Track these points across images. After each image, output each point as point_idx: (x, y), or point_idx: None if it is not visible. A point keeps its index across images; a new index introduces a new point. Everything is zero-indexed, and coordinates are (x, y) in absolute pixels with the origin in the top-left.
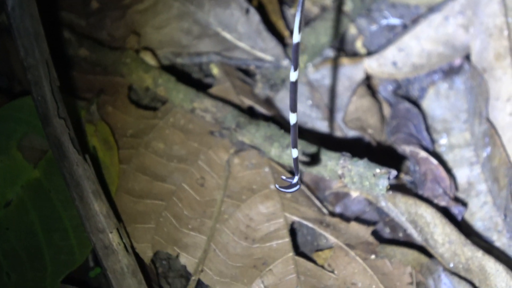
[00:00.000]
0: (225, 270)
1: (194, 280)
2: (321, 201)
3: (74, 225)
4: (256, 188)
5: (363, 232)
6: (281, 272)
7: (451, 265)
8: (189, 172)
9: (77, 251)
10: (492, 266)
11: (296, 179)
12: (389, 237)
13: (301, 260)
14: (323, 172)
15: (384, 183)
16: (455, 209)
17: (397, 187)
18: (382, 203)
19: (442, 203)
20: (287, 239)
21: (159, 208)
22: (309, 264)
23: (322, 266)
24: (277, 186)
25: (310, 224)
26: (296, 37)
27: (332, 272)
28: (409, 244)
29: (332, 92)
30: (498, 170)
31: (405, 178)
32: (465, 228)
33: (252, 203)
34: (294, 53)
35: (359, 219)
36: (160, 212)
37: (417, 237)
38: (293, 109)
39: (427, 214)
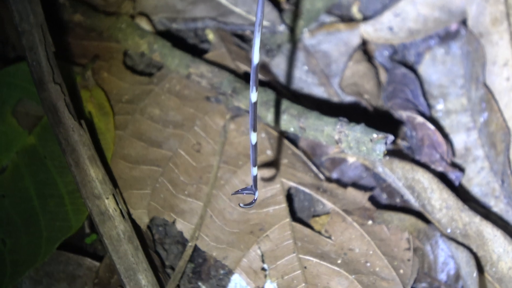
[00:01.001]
0: (222, 236)
1: (191, 246)
2: (317, 167)
3: (70, 191)
4: None
5: (360, 197)
6: (278, 238)
7: (449, 230)
8: (185, 138)
9: (73, 217)
10: (490, 231)
11: (256, 195)
12: (386, 203)
13: (298, 225)
14: (320, 138)
15: (381, 148)
16: (452, 175)
17: (394, 153)
18: (379, 169)
19: (439, 168)
20: (284, 205)
21: (155, 174)
22: (306, 230)
23: (319, 232)
24: (240, 205)
25: (307, 190)
26: (256, 58)
27: (329, 237)
28: (406, 209)
29: (328, 57)
30: (495, 135)
31: (402, 143)
32: (462, 194)
33: (248, 169)
34: (253, 74)
35: (356, 185)
36: (156, 178)
37: (414, 203)
38: (254, 128)
39: (424, 179)
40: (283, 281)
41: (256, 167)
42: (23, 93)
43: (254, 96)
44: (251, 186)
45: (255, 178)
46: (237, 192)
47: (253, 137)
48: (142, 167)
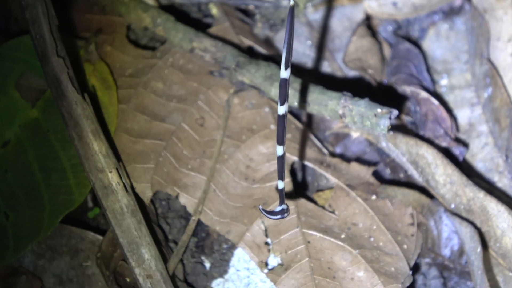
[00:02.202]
0: (225, 211)
1: (194, 221)
2: (321, 142)
3: (73, 165)
4: (256, 128)
5: (364, 172)
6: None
7: (453, 206)
8: (189, 112)
9: (76, 191)
10: (494, 207)
11: (279, 208)
12: (390, 178)
13: (302, 200)
14: (324, 112)
15: (385, 122)
16: (456, 150)
17: (398, 128)
18: (383, 144)
19: (443, 143)
20: (288, 179)
21: (159, 148)
22: (310, 205)
23: (323, 207)
24: (260, 208)
25: (310, 165)
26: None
27: (333, 212)
28: (410, 185)
29: (332, 32)
30: (499, 111)
31: (406, 118)
32: (466, 169)
33: (252, 143)
34: (281, 88)
35: (359, 160)
36: (159, 152)
37: (418, 178)
38: (280, 141)
39: (428, 154)
40: (286, 255)
41: (283, 181)
42: (26, 67)
43: (281, 109)
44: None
45: (281, 191)
46: (265, 212)
47: (280, 150)
48: (145, 141)
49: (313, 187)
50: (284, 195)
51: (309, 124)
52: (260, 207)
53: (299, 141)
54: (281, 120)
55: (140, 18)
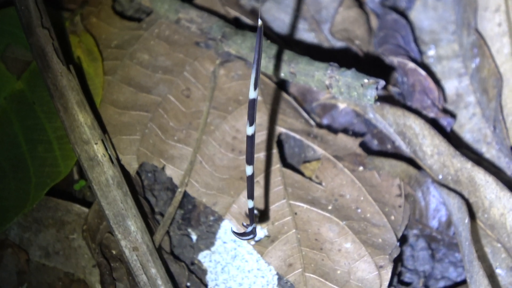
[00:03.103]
0: (212, 182)
1: (180, 192)
2: (308, 113)
3: (59, 136)
4: (242, 99)
5: (351, 143)
6: (268, 183)
7: (440, 177)
8: (175, 83)
9: (62, 163)
10: (481, 177)
11: (250, 228)
12: (377, 149)
13: (289, 171)
14: (311, 83)
15: (372, 93)
16: (444, 121)
17: (385, 99)
18: (370, 115)
19: (431, 114)
20: (274, 151)
21: (145, 120)
22: (297, 176)
23: (310, 178)
24: (232, 230)
25: (297, 136)
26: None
27: (320, 184)
28: (398, 156)
29: (319, 3)
30: (487, 81)
31: (393, 89)
32: (454, 140)
33: (238, 115)
34: (250, 109)
35: (346, 131)
36: (145, 123)
37: (406, 149)
38: (249, 161)
39: (416, 125)
40: (273, 227)
41: (253, 200)
42: (12, 39)
43: (250, 129)
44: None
45: (251, 211)
46: (237, 234)
47: (249, 170)
48: (131, 112)
49: (300, 159)
50: (253, 215)
51: (296, 95)
52: (232, 229)
53: (286, 112)
54: (249, 141)
55: None
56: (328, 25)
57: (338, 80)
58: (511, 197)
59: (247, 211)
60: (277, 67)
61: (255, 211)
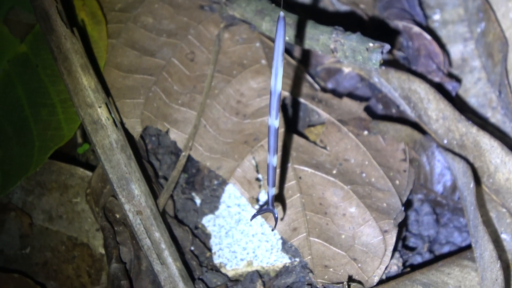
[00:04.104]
0: (216, 146)
1: (184, 156)
2: (312, 77)
3: (62, 100)
4: (247, 63)
5: (356, 107)
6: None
7: (445, 141)
8: (179, 46)
9: (65, 126)
10: (487, 142)
11: (276, 214)
12: (382, 113)
13: (293, 135)
14: (315, 47)
15: (377, 57)
16: (449, 85)
17: (390, 63)
18: (375, 79)
19: (436, 79)
20: (279, 115)
21: (149, 83)
22: (301, 140)
23: (314, 142)
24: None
25: (302, 100)
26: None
27: (324, 148)
28: (402, 120)
29: None
30: (492, 46)
31: (398, 53)
32: (459, 105)
33: (243, 78)
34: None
35: (351, 95)
36: (149, 87)
37: (411, 113)
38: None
39: (421, 89)
40: (278, 191)
41: (274, 188)
42: (15, 1)
43: (276, 122)
44: (269, 205)
45: (272, 197)
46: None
47: (269, 160)
48: (135, 76)
49: (304, 123)
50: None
51: (301, 59)
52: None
53: (290, 76)
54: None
55: None
56: None
57: (343, 44)
58: None
59: (251, 175)
60: None
61: (259, 176)
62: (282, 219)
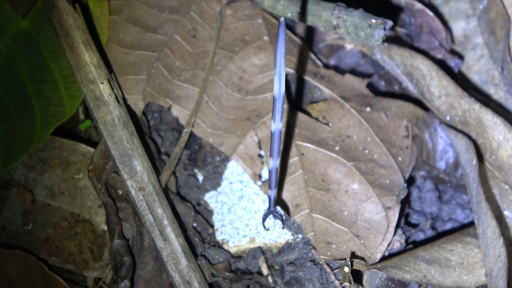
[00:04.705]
0: (218, 123)
1: (187, 133)
2: (315, 54)
3: (64, 76)
4: (249, 40)
5: (358, 84)
6: None
7: (448, 118)
8: (181, 23)
9: (67, 102)
10: (489, 118)
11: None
12: (385, 90)
13: (295, 112)
14: (318, 23)
15: (379, 33)
16: (452, 62)
17: (393, 39)
18: (377, 56)
19: (438, 55)
20: None
21: (151, 59)
22: (304, 116)
23: (317, 119)
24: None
25: (304, 76)
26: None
27: (327, 124)
28: (405, 97)
29: None
30: (495, 22)
31: (400, 30)
32: (461, 82)
33: (245, 55)
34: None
35: (353, 72)
36: (151, 63)
37: (413, 90)
38: (276, 155)
39: (423, 66)
40: (280, 168)
41: (275, 190)
42: None
43: (280, 125)
44: (271, 207)
45: (274, 199)
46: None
47: (272, 163)
48: (137, 52)
49: (307, 99)
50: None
51: (303, 36)
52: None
53: (292, 53)
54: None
55: None
56: None
57: (345, 20)
58: None
59: (254, 152)
60: (284, 6)
61: (262, 152)
62: (286, 217)
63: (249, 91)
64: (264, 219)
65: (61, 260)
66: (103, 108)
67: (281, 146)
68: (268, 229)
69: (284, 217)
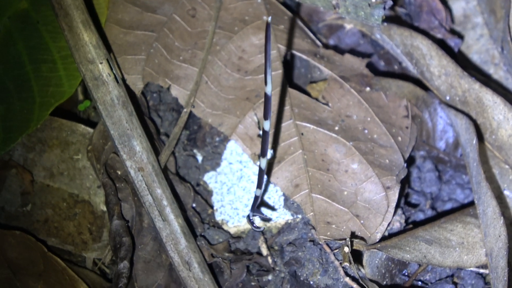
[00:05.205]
0: (217, 103)
1: (186, 113)
2: (314, 34)
3: (63, 56)
4: (248, 19)
5: (358, 64)
6: (275, 104)
7: (448, 98)
8: (180, 2)
9: (66, 82)
10: (489, 98)
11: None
12: (384, 70)
13: (295, 92)
14: (317, 2)
15: (379, 13)
16: (451, 42)
17: (392, 19)
18: (377, 35)
19: (438, 35)
20: (280, 71)
21: (150, 39)
22: (303, 96)
23: (316, 99)
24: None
25: (304, 56)
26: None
27: (327, 104)
28: (405, 76)
29: None
30: (495, 2)
31: (400, 10)
32: (461, 62)
33: (244, 35)
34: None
35: (353, 52)
36: (150, 43)
37: (413, 70)
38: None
39: (423, 46)
40: (279, 147)
41: (262, 189)
42: None
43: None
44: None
45: (256, 199)
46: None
47: (263, 163)
48: (136, 32)
49: (306, 79)
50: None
51: (302, 15)
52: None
53: (292, 33)
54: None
55: None
56: None
57: (345, 0)
58: None
59: (253, 132)
60: None
61: (261, 132)
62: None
63: (248, 71)
64: (250, 221)
65: (60, 241)
66: (102, 88)
67: (281, 126)
68: (260, 228)
69: (268, 217)
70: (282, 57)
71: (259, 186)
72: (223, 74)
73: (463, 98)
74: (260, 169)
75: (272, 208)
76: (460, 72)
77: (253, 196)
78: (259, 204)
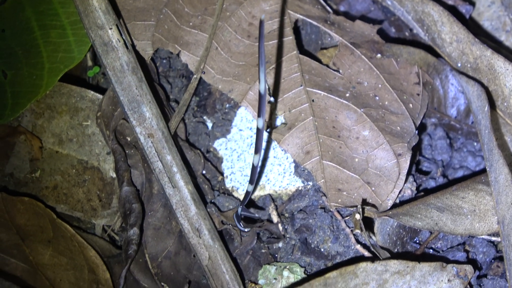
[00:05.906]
0: (228, 69)
1: (196, 79)
2: (325, 0)
3: (72, 22)
4: None
5: (369, 30)
6: (285, 70)
7: (459, 64)
8: None
9: (75, 48)
10: (501, 65)
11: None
12: (395, 36)
13: (305, 58)
14: None
15: None
16: (462, 8)
17: None
18: (388, 2)
19: (449, 1)
20: (291, 37)
21: (159, 5)
22: (314, 63)
23: (327, 65)
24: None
25: (314, 22)
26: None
27: (337, 71)
28: (416, 43)
29: None
30: None
31: None
32: (472, 28)
33: (254, 1)
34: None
35: (364, 18)
36: (160, 8)
37: (424, 36)
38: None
39: (434, 12)
40: (290, 114)
41: (253, 186)
42: None
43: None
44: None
45: (247, 194)
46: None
47: (256, 159)
48: None
49: (316, 46)
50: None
51: None
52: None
53: None
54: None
55: None
56: None
57: None
58: None
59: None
60: None
61: (272, 99)
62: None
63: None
64: (238, 220)
65: (69, 207)
66: (112, 54)
67: (290, 92)
68: (245, 230)
69: (257, 217)
70: (293, 23)
71: (251, 181)
72: (233, 40)
73: (475, 65)
74: (253, 166)
75: (261, 208)
76: (471, 38)
77: (263, 162)
78: (247, 203)
